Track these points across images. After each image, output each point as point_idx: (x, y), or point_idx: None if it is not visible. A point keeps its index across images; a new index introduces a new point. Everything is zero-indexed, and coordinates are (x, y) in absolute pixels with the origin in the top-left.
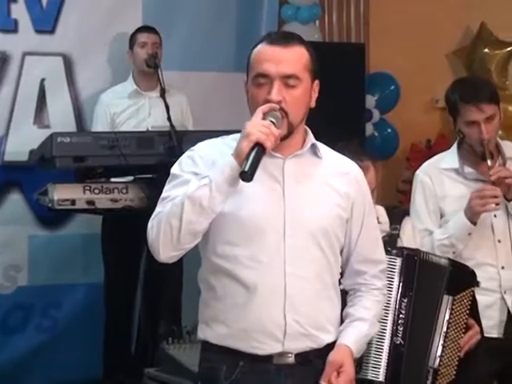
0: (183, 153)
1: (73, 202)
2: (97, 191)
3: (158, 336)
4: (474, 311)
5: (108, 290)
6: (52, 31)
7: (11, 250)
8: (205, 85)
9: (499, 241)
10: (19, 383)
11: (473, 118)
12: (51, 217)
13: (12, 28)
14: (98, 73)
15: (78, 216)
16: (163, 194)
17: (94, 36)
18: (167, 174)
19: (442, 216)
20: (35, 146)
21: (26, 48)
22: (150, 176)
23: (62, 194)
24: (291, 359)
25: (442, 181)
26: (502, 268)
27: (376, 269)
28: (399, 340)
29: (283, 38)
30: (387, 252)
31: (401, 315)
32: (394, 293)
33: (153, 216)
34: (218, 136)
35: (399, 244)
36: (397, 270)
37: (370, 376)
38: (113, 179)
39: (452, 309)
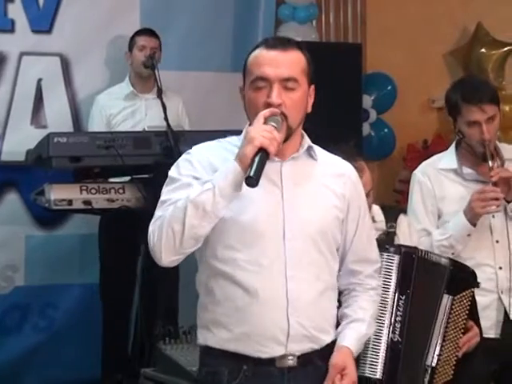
0: (180, 153)
1: (69, 202)
2: (93, 191)
3: (154, 336)
4: (473, 312)
5: (105, 290)
6: (49, 31)
7: (8, 250)
8: (202, 85)
9: (497, 241)
10: (16, 383)
11: (474, 118)
12: (48, 217)
13: (9, 28)
14: (95, 73)
15: (74, 216)
16: (163, 198)
17: (91, 36)
18: (164, 174)
19: (439, 216)
20: (32, 146)
21: (22, 48)
22: (147, 176)
23: (58, 194)
24: (293, 362)
25: (440, 181)
26: (500, 268)
27: (371, 268)
28: (397, 337)
29: (281, 43)
30: (385, 249)
31: (398, 312)
32: (391, 290)
33: (153, 220)
34: (215, 136)
35: (396, 242)
36: (394, 268)
37: (368, 373)
38: (110, 179)
39: (451, 308)
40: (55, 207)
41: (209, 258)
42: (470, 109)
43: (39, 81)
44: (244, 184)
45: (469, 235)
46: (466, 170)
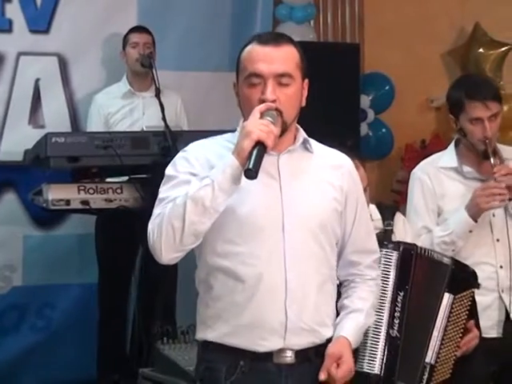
0: (178, 153)
1: (67, 202)
2: (91, 191)
3: (152, 336)
4: (473, 313)
5: (102, 290)
6: (47, 31)
7: (6, 250)
8: (200, 85)
9: (498, 240)
10: (14, 383)
11: (478, 115)
12: (46, 217)
13: (6, 28)
14: (92, 73)
15: (72, 216)
16: (161, 196)
17: (89, 36)
18: (162, 173)
19: (439, 214)
20: (30, 145)
21: (20, 48)
22: (145, 176)
23: (56, 194)
24: (291, 358)
25: (440, 179)
26: (501, 267)
27: (370, 259)
28: (395, 333)
29: (273, 38)
30: (383, 245)
31: (397, 308)
32: (390, 286)
33: (152, 218)
34: (213, 136)
35: (393, 239)
36: (393, 264)
37: (366, 368)
38: (107, 179)
39: (452, 307)
40: (53, 207)
41: (208, 253)
42: (474, 105)
43: (37, 81)
44: (243, 178)
45: (470, 231)
46: (466, 169)
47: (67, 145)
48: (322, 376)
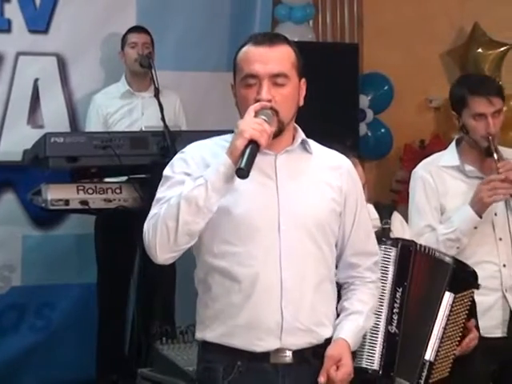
0: (177, 153)
1: (66, 202)
2: (90, 191)
3: (151, 336)
4: (472, 313)
5: (101, 290)
6: (45, 31)
7: (5, 250)
8: (199, 85)
9: (500, 239)
10: (13, 383)
11: (482, 111)
12: (45, 217)
13: (5, 28)
14: (91, 73)
15: (71, 216)
16: (158, 196)
17: (88, 36)
18: (161, 174)
19: (442, 213)
20: (29, 145)
21: (19, 48)
22: (144, 176)
23: (55, 194)
24: (288, 358)
25: (443, 178)
26: (504, 266)
27: (369, 261)
28: (394, 329)
29: (268, 39)
30: (382, 242)
31: (395, 304)
32: (388, 282)
33: (148, 218)
34: (212, 136)
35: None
36: (392, 260)
37: (365, 364)
38: (106, 179)
39: (452, 306)
40: (52, 207)
41: (205, 253)
42: (478, 100)
43: (36, 81)
44: (237, 178)
45: (475, 228)
46: (468, 167)
47: (66, 145)
48: (322, 379)
